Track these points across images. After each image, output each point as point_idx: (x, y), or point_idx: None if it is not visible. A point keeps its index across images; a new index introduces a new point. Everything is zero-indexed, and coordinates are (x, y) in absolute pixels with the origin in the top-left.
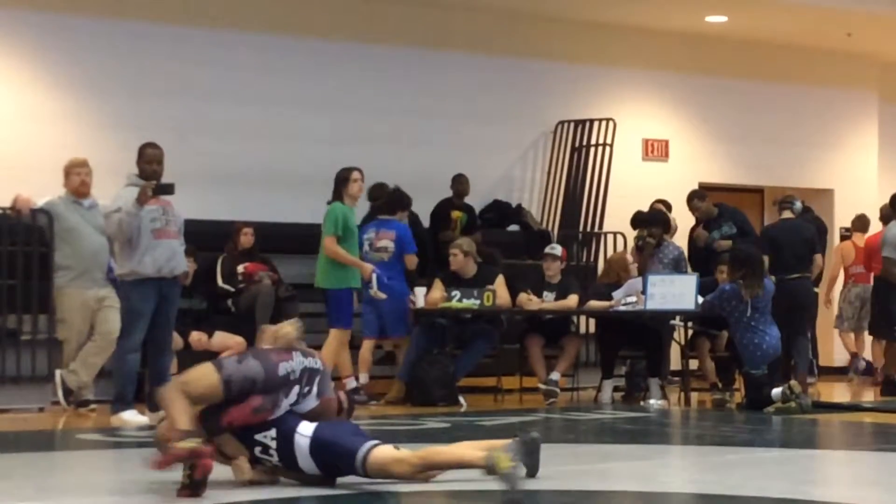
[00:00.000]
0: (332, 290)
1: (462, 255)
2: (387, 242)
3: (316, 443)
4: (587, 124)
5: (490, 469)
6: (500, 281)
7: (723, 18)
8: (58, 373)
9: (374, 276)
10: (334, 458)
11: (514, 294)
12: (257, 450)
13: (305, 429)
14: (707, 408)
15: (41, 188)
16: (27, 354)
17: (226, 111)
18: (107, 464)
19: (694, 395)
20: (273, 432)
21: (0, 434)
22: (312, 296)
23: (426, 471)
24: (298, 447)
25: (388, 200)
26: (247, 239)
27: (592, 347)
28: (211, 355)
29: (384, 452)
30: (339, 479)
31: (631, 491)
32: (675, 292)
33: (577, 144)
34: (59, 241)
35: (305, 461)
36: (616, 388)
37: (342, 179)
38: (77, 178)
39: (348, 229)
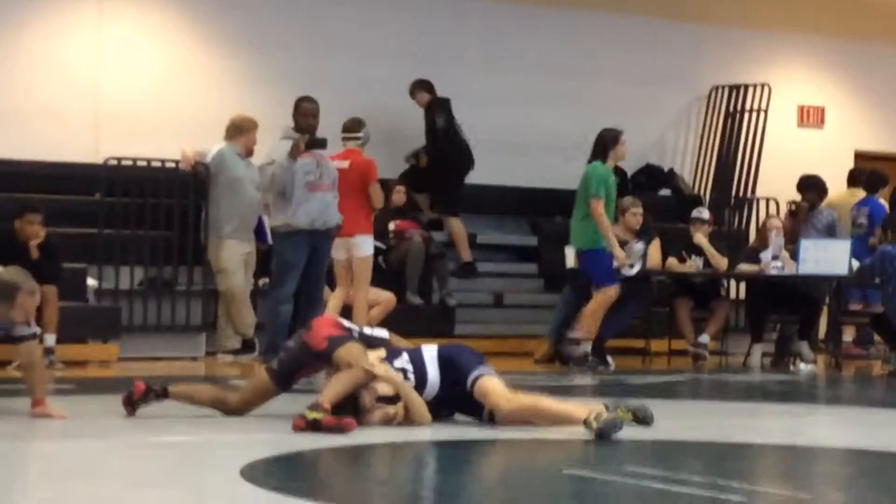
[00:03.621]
0: (590, 250)
1: (641, 216)
2: (863, 219)
3: (442, 352)
4: (742, 89)
5: (589, 423)
6: (655, 245)
7: None
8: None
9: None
10: (453, 370)
11: (664, 257)
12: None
13: (430, 346)
14: (859, 372)
15: (195, 142)
16: (182, 305)
17: (380, 68)
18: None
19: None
20: (405, 356)
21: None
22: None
23: (525, 417)
24: (429, 357)
25: (869, 179)
26: (399, 197)
27: (742, 312)
28: None
29: (492, 383)
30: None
31: (780, 445)
32: (829, 257)
33: (731, 109)
34: (224, 190)
35: (432, 367)
36: (765, 354)
37: (611, 139)
38: (254, 138)
39: (610, 191)
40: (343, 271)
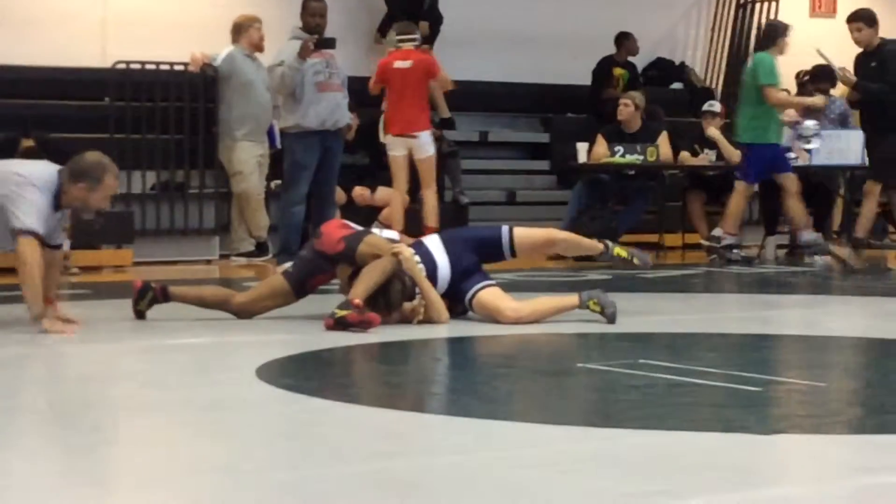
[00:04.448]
0: (761, 145)
1: (633, 107)
2: None
3: (444, 237)
4: None
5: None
6: (663, 137)
7: None
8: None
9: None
10: (463, 247)
11: (676, 151)
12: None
13: (430, 237)
14: (874, 263)
15: (202, 45)
16: (195, 208)
17: None
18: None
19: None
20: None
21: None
22: (476, 153)
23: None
24: (432, 245)
25: None
26: None
27: (756, 205)
28: (373, 210)
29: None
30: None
31: (796, 335)
32: (842, 147)
33: (742, 0)
34: (235, 94)
35: (439, 253)
36: (779, 246)
37: (779, 31)
38: (257, 34)
39: (779, 79)
40: (400, 170)
